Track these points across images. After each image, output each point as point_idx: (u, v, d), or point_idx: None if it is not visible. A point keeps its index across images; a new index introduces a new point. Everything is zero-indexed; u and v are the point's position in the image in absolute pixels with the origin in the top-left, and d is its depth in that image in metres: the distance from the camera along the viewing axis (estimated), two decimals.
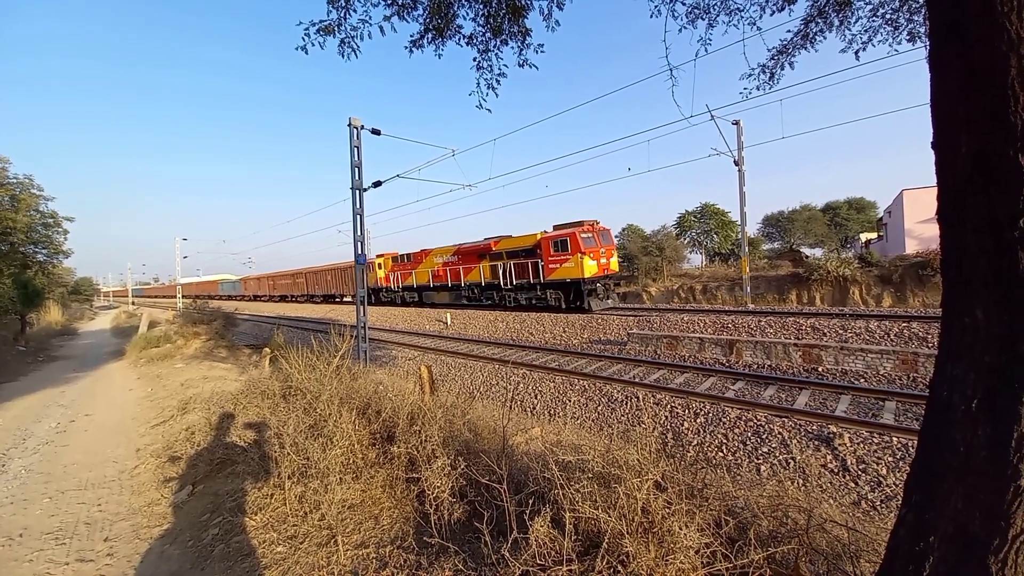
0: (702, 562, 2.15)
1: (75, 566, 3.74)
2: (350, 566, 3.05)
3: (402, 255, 28.80)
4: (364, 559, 3.09)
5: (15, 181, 20.65)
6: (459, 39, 3.89)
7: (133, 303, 63.90)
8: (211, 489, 4.58)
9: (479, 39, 3.86)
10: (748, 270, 19.48)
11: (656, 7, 3.81)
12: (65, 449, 6.70)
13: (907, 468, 5.28)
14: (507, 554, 2.31)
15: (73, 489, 5.27)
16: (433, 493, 3.23)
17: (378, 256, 30.69)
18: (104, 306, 72.35)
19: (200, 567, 3.42)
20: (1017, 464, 1.30)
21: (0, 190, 19.98)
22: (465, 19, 3.78)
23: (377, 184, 13.73)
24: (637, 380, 9.83)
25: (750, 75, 4.50)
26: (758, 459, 6.29)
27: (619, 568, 2.17)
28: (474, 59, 3.94)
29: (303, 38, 3.47)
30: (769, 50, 4.36)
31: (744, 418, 7.22)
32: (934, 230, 1.58)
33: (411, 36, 3.81)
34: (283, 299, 47.19)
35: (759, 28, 4.00)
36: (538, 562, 2.29)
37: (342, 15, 3.47)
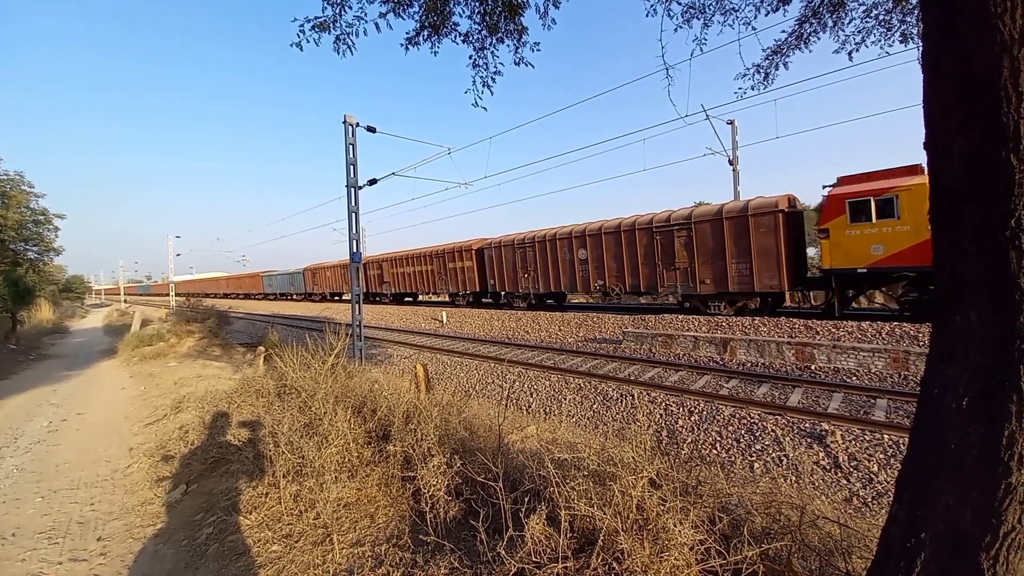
0: (696, 559, 2.16)
1: (68, 565, 3.71)
2: (346, 564, 3.05)
3: None
4: (360, 557, 3.09)
5: (5, 178, 20.44)
6: (455, 37, 3.89)
7: (126, 301, 62.76)
8: (205, 488, 4.56)
9: (475, 37, 3.86)
10: None
11: (652, 6, 3.83)
12: (57, 448, 6.64)
13: (898, 465, 5.34)
14: (503, 552, 2.31)
15: (66, 488, 5.22)
16: (429, 491, 3.24)
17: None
18: (96, 304, 71.70)
19: (194, 566, 3.40)
20: (1008, 462, 1.32)
21: None
22: (461, 17, 3.79)
23: (372, 182, 13.69)
24: (632, 378, 9.87)
25: (745, 75, 4.52)
26: (751, 456, 6.33)
27: (614, 565, 2.18)
28: (470, 57, 3.94)
29: (298, 34, 3.46)
30: (764, 50, 4.38)
31: (738, 416, 7.26)
32: None
33: (407, 33, 3.81)
34: (405, 300, 29.59)
35: (754, 28, 4.03)
36: (534, 560, 2.29)
37: (337, 12, 3.46)
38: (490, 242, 21.55)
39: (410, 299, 30.43)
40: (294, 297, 42.91)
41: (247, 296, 53.27)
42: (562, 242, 18.10)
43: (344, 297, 36.04)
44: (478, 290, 22.53)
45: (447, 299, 26.27)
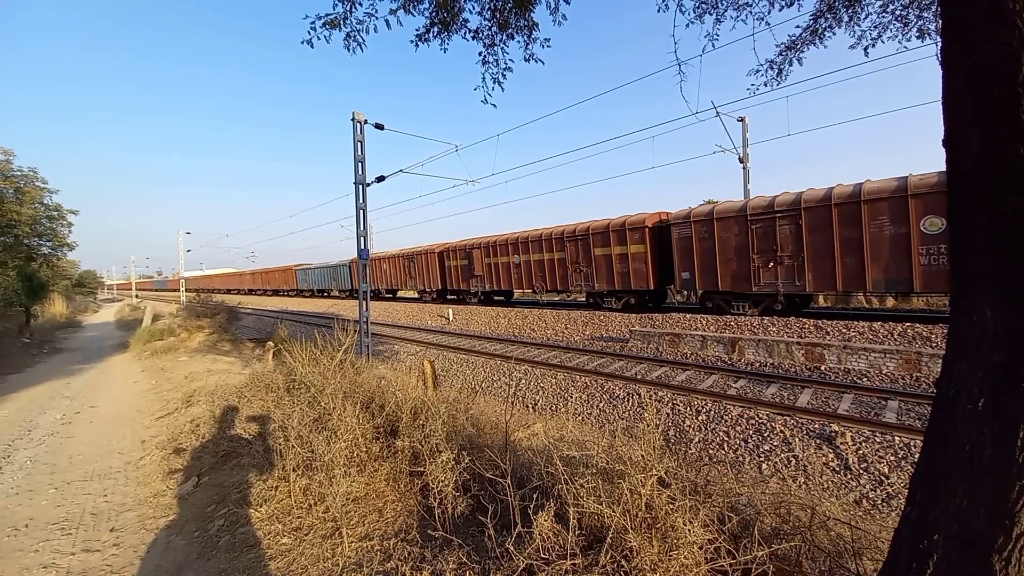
0: (706, 558, 2.16)
1: (81, 556, 3.77)
2: (355, 558, 3.07)
3: None
4: (368, 551, 3.11)
5: (19, 174, 20.68)
6: (465, 33, 3.89)
7: (137, 296, 63.07)
8: (216, 481, 4.62)
9: (485, 33, 3.85)
10: None
11: (664, 1, 3.80)
12: (70, 440, 6.75)
13: (909, 467, 5.29)
14: (511, 548, 2.32)
15: (79, 480, 5.31)
16: (437, 487, 3.25)
17: None
18: (108, 299, 72.54)
19: (206, 557, 3.45)
20: (1023, 463, 1.30)
21: (4, 182, 20.03)
22: (471, 13, 3.78)
23: (381, 179, 13.74)
24: (639, 377, 9.84)
25: (758, 71, 4.48)
26: (760, 457, 6.29)
27: (623, 563, 2.18)
28: (480, 53, 3.94)
29: (309, 32, 3.48)
30: (777, 46, 4.34)
31: (746, 416, 7.22)
32: None
33: (417, 30, 3.81)
34: (496, 300, 22.76)
35: (768, 24, 3.98)
36: (542, 556, 2.30)
37: (348, 9, 3.47)
38: (686, 215, 13.90)
39: (501, 298, 22.92)
40: (335, 294, 35.84)
41: (275, 293, 47.41)
42: (899, 202, 10.18)
43: (402, 294, 29.68)
44: (651, 287, 14.95)
45: (583, 299, 18.83)
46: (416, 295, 27.79)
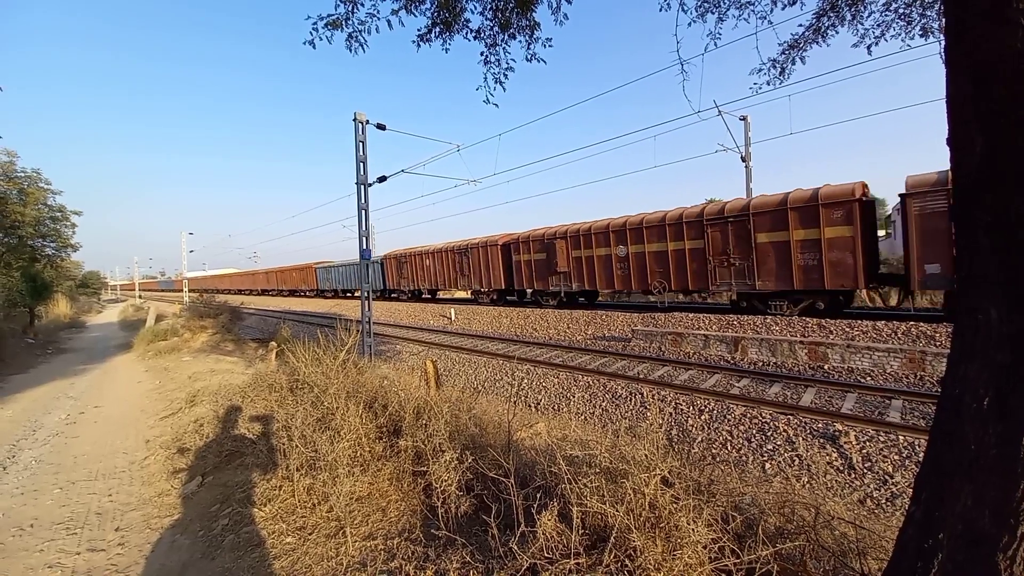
0: (709, 557, 2.16)
1: (86, 556, 3.79)
2: (358, 557, 3.08)
3: None
4: (372, 550, 3.12)
5: (23, 175, 20.77)
6: (467, 33, 3.89)
7: (140, 296, 63.02)
8: (220, 480, 4.63)
9: (487, 33, 3.85)
10: None
11: (666, 1, 3.79)
12: (75, 440, 6.78)
13: (914, 467, 5.28)
14: (515, 547, 2.32)
15: (83, 480, 5.33)
16: (440, 486, 3.26)
17: None
18: (112, 299, 72.72)
19: (211, 557, 3.46)
20: None
21: (8, 184, 20.12)
22: (473, 13, 3.78)
23: (382, 179, 13.75)
24: (641, 376, 9.83)
25: (760, 70, 4.47)
26: (763, 456, 6.29)
27: (626, 562, 2.18)
28: (481, 53, 3.94)
29: (311, 32, 3.49)
30: (780, 44, 4.33)
31: (749, 415, 7.21)
32: None
33: (418, 30, 3.82)
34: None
35: (770, 22, 3.97)
36: (546, 555, 2.30)
37: (350, 9, 3.47)
38: (937, 180, 8.49)
39: (583, 300, 18.42)
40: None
41: (292, 293, 44.09)
42: None
43: (444, 295, 24.75)
44: (858, 286, 10.83)
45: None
46: (470, 296, 23.38)
